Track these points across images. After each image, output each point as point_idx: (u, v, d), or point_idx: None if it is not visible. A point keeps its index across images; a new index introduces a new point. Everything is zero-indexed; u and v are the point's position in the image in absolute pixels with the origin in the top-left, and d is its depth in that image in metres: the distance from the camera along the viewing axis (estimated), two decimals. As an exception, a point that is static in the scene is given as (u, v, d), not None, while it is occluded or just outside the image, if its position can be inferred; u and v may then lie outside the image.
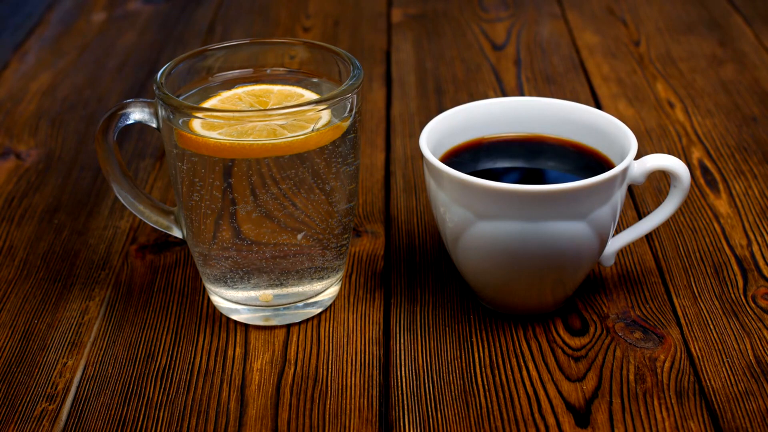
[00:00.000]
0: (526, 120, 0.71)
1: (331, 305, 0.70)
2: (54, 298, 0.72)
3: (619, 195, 0.64)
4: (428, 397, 0.62)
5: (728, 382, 0.62)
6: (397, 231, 0.78)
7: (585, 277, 0.68)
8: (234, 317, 0.68)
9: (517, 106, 0.71)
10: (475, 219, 0.63)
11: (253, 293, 0.67)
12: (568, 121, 0.70)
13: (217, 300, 0.69)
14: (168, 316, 0.69)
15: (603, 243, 0.65)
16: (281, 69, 0.70)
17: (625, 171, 0.63)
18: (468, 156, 0.70)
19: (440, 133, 0.68)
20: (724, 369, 0.63)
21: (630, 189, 0.82)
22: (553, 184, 0.61)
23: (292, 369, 0.64)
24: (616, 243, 0.68)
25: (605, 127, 0.68)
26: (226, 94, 0.67)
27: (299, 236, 0.65)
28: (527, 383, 0.62)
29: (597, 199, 0.62)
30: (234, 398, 0.62)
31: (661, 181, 0.83)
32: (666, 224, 0.77)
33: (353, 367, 0.64)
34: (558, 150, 0.70)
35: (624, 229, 0.69)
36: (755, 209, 0.79)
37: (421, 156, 0.65)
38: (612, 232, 0.66)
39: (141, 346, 0.67)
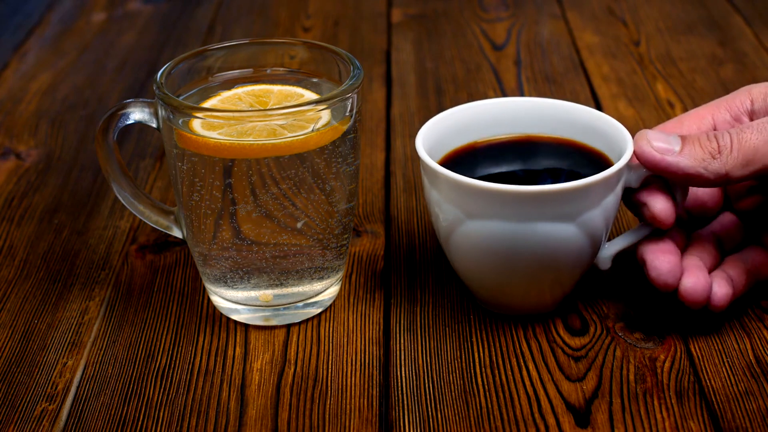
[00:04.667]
0: (526, 119, 0.71)
1: (331, 305, 0.70)
2: (54, 298, 0.72)
3: (612, 198, 0.62)
4: (428, 397, 0.62)
5: (728, 382, 0.62)
6: (397, 231, 0.78)
7: (578, 278, 0.66)
8: (234, 317, 0.68)
9: (517, 107, 0.71)
10: (465, 218, 0.62)
11: (253, 293, 0.67)
12: (568, 122, 0.69)
13: (217, 300, 0.69)
14: (168, 316, 0.69)
15: (594, 246, 0.64)
16: (281, 69, 0.70)
17: (617, 174, 0.61)
18: (469, 157, 0.70)
19: (439, 132, 0.68)
20: (724, 369, 0.63)
21: (630, 189, 0.82)
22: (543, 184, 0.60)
23: (292, 369, 0.64)
24: (612, 247, 0.66)
25: (605, 127, 0.67)
26: (226, 94, 0.67)
27: (299, 224, 0.64)
28: (527, 383, 0.62)
29: (586, 202, 0.61)
30: (234, 398, 0.62)
31: (661, 181, 0.83)
32: (666, 224, 0.77)
33: (353, 367, 0.64)
34: (560, 150, 0.70)
35: (623, 232, 0.69)
36: (755, 209, 0.79)
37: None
38: (605, 235, 0.64)
39: (141, 346, 0.67)
